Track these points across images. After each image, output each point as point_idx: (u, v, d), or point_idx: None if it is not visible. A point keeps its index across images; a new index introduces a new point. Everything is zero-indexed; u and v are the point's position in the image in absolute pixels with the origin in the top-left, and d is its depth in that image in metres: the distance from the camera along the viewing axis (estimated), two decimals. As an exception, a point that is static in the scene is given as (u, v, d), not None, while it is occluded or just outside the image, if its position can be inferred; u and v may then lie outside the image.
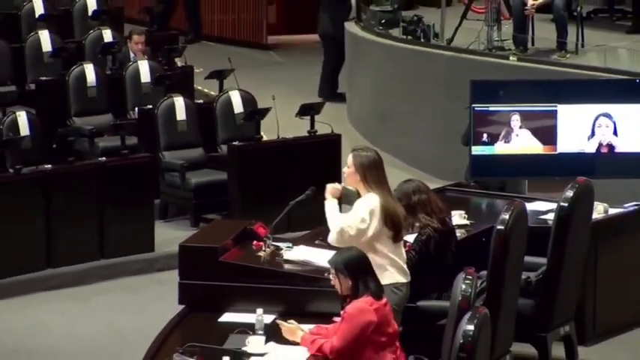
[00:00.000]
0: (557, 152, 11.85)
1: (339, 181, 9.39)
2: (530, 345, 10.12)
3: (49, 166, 13.85)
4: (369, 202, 8.93)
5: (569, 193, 10.13)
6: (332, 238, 8.91)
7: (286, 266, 9.11)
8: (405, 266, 9.06)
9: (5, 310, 12.80)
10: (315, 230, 10.31)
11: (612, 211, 11.17)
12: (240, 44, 20.69)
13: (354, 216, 8.88)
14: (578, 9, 16.85)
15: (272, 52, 21.33)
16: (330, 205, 9.07)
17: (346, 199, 9.32)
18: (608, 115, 11.87)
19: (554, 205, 10.32)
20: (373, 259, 8.52)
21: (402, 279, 8.95)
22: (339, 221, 8.89)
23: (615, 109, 11.93)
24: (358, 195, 9.08)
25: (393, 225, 8.91)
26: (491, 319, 7.87)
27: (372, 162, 9.06)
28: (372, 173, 8.99)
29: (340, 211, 9.10)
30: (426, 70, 17.01)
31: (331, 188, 9.14)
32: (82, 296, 13.08)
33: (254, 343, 8.09)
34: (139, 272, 13.60)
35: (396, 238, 8.98)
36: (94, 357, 10.52)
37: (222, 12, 21.62)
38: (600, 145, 11.87)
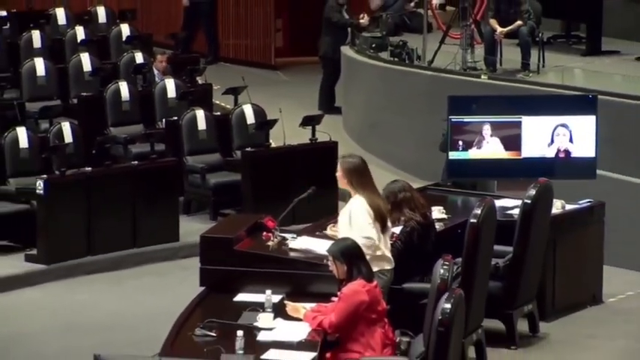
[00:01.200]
0: (521, 157, 11.85)
1: (335, 182, 9.29)
2: (498, 321, 10.18)
3: (89, 168, 13.90)
4: (358, 209, 8.95)
5: (532, 192, 10.26)
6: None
7: (291, 254, 9.15)
8: (389, 255, 9.07)
9: (55, 291, 12.90)
10: (317, 223, 10.31)
11: (568, 207, 11.18)
12: (251, 65, 20.62)
13: (362, 225, 8.84)
14: (540, 35, 16.90)
15: (279, 71, 21.26)
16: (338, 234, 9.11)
17: (342, 198, 9.39)
18: (565, 125, 11.88)
19: (519, 202, 10.39)
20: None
21: (387, 266, 8.98)
22: (355, 233, 8.75)
23: (571, 120, 11.95)
24: (349, 195, 9.14)
25: (378, 219, 8.94)
26: (465, 299, 7.94)
27: (356, 167, 9.11)
28: (357, 177, 9.05)
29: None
30: (410, 87, 16.97)
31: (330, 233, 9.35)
32: (118, 280, 13.15)
33: (264, 319, 8.15)
34: (165, 259, 13.66)
35: (383, 229, 9.00)
36: (129, 331, 10.54)
37: (237, 37, 21.53)
38: (558, 150, 11.88)
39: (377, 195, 9.15)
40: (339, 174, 9.16)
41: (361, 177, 9.08)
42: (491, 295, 9.93)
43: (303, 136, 15.12)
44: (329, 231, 9.47)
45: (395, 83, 17.37)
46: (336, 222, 9.36)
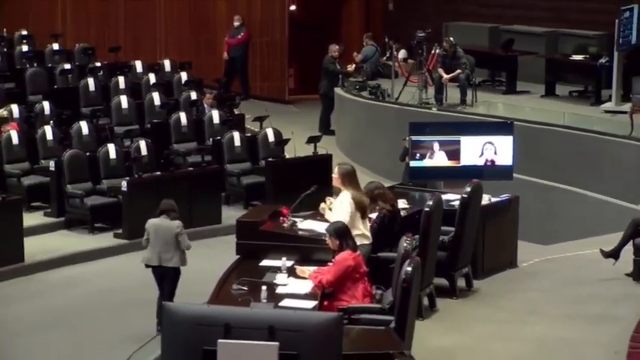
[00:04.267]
0: (460, 164, 11.80)
1: (330, 182, 9.30)
2: (444, 279, 10.20)
3: (159, 173, 14.03)
4: (344, 200, 8.92)
5: (468, 189, 10.23)
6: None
7: (300, 232, 9.11)
8: (368, 234, 9.04)
9: (134, 259, 12.53)
10: (317, 211, 10.14)
11: (493, 199, 11.16)
12: (271, 100, 20.68)
13: (342, 212, 8.83)
14: (473, 79, 17.03)
15: (291, 105, 21.35)
16: (328, 215, 9.08)
17: (335, 193, 9.37)
18: (491, 143, 11.84)
19: (458, 197, 10.37)
20: (352, 229, 8.51)
21: (366, 241, 8.91)
22: (337, 217, 8.80)
23: (495, 139, 11.90)
24: (339, 191, 9.14)
25: (360, 209, 8.92)
26: (421, 264, 7.89)
27: (348, 172, 9.10)
28: (348, 178, 9.03)
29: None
30: (383, 116, 17.09)
31: (322, 209, 9.20)
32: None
33: (280, 278, 8.15)
34: (212, 235, 13.67)
35: (363, 216, 8.97)
36: (186, 286, 10.38)
37: (262, 81, 21.61)
38: (486, 160, 11.84)
39: (360, 192, 9.12)
40: (335, 176, 9.14)
41: (351, 179, 9.07)
42: (439, 261, 9.92)
43: (308, 151, 15.14)
44: (322, 204, 9.36)
45: (372, 113, 17.48)
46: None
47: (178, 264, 10.14)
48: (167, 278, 10.12)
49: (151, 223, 10.31)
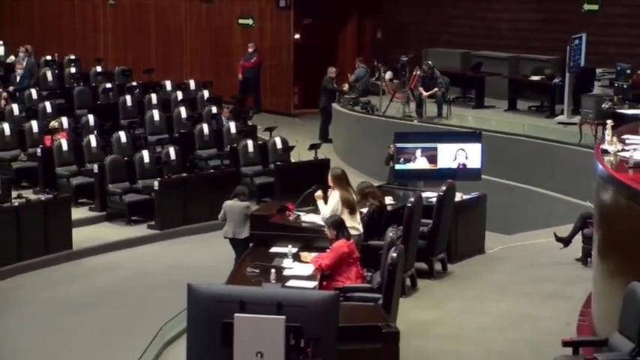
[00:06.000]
0: (437, 167, 11.73)
1: (327, 183, 9.23)
2: (423, 263, 10.19)
3: (185, 174, 14.01)
4: (333, 198, 8.92)
5: (444, 188, 10.26)
6: (322, 216, 8.85)
7: (303, 224, 9.12)
8: (357, 226, 8.97)
9: (164, 246, 12.91)
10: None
11: (465, 197, 11.17)
12: (279, 114, 20.63)
13: (330, 208, 8.83)
14: (448, 96, 17.02)
15: (296, 118, 21.33)
16: (320, 204, 9.04)
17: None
18: (463, 149, 11.80)
19: (436, 194, 10.39)
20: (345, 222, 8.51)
21: (356, 232, 8.84)
22: (325, 211, 8.83)
23: (466, 146, 11.84)
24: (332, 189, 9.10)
25: (348, 206, 8.86)
26: (404, 251, 7.92)
27: (339, 175, 9.08)
28: (337, 181, 8.99)
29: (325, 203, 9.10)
30: (372, 127, 17.05)
31: (316, 195, 9.15)
32: (202, 239, 13.11)
33: (287, 262, 8.15)
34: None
35: (352, 212, 8.89)
36: (209, 269, 10.38)
37: (271, 97, 21.56)
38: (459, 164, 11.80)
39: (349, 191, 9.03)
40: (330, 178, 9.14)
41: (340, 181, 9.03)
42: (419, 248, 9.93)
43: (309, 156, 15.09)
44: (317, 192, 9.25)
45: (364, 125, 17.45)
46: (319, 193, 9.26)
47: (247, 235, 10.21)
48: (239, 246, 10.39)
49: (227, 204, 10.73)
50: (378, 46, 21.72)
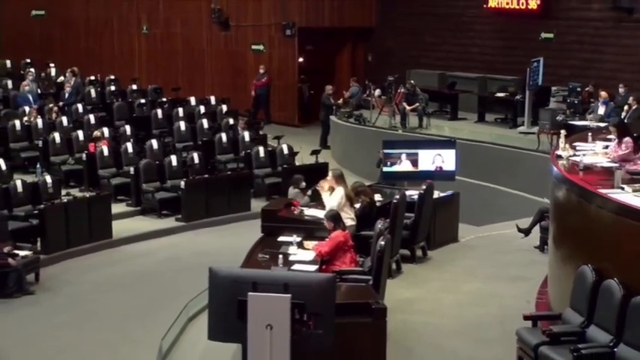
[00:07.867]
0: (419, 170, 11.62)
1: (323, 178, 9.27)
2: (407, 250, 10.15)
3: (207, 175, 13.97)
4: (339, 193, 8.91)
5: (424, 187, 10.21)
6: (330, 206, 8.76)
7: (306, 217, 9.07)
8: (353, 217, 8.98)
9: (189, 236, 12.86)
10: (317, 202, 10.28)
11: (441, 194, 11.11)
12: (286, 125, 20.55)
13: (335, 200, 8.82)
14: (428, 110, 16.98)
15: (300, 128, 21.29)
16: (325, 196, 8.99)
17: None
18: (440, 154, 11.68)
19: (417, 192, 10.33)
20: (342, 215, 8.50)
21: (351, 223, 8.86)
22: (333, 203, 8.81)
23: (443, 152, 11.70)
24: (332, 189, 9.05)
25: (349, 200, 8.91)
26: (390, 240, 7.95)
27: (339, 175, 9.09)
28: (340, 179, 9.01)
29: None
30: (364, 137, 17.00)
31: (323, 182, 9.11)
32: (221, 230, 13.13)
33: (292, 250, 8.10)
34: (244, 219, 13.49)
35: (351, 205, 8.95)
36: (227, 256, 10.06)
37: (279, 111, 21.45)
38: (437, 167, 11.69)
39: (347, 189, 9.09)
40: (332, 177, 9.10)
41: (341, 179, 9.06)
42: (403, 237, 9.89)
43: (311, 160, 15.08)
44: (320, 182, 9.22)
45: (357, 134, 17.40)
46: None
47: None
48: None
49: (291, 191, 11.22)
50: (369, 68, 21.74)
